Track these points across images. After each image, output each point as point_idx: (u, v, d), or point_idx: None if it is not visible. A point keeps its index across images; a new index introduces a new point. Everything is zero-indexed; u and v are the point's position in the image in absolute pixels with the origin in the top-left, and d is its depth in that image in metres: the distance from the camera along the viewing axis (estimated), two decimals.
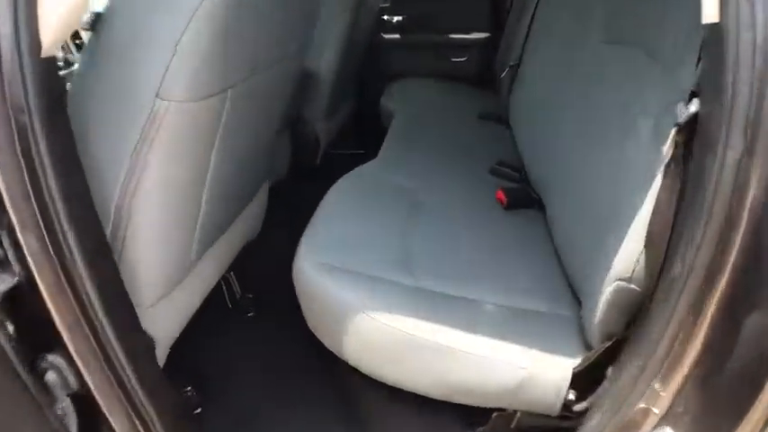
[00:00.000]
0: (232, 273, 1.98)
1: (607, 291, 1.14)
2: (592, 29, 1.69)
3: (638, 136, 1.24)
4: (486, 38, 3.36)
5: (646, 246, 1.07)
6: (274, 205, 2.14)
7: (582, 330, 1.29)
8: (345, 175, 1.81)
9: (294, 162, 2.71)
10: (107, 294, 1.03)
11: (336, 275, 1.33)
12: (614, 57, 1.51)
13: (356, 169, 1.88)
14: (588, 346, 1.25)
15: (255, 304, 2.02)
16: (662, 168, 1.03)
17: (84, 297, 1.00)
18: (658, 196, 1.03)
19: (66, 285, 0.97)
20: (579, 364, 1.21)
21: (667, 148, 1.01)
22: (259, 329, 1.94)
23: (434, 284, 1.36)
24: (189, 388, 1.62)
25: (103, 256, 1.09)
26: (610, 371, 1.18)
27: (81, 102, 1.11)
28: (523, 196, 1.86)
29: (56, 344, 1.02)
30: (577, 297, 1.39)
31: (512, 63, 2.60)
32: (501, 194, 1.83)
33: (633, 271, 1.11)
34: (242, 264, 1.92)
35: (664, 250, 1.02)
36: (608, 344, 1.18)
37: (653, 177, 1.06)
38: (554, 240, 1.60)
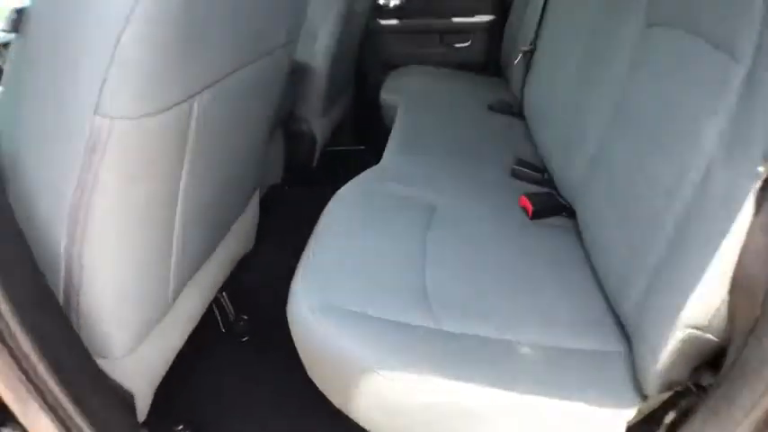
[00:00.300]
0: (224, 293, 1.79)
1: (675, 338, 0.96)
2: (633, 8, 1.45)
3: (705, 144, 1.02)
4: (491, 21, 3.13)
5: (732, 292, 0.89)
6: (268, 214, 1.95)
7: (633, 368, 1.09)
8: (345, 186, 1.59)
9: (288, 164, 2.49)
10: (55, 354, 0.90)
11: (339, 321, 1.11)
12: (665, 43, 1.28)
13: (358, 177, 1.65)
14: (641, 391, 1.05)
15: (250, 327, 1.85)
16: (753, 193, 0.84)
17: (23, 361, 0.86)
18: (751, 231, 0.84)
19: (3, 349, 0.83)
20: (635, 417, 1.03)
21: (764, 169, 0.80)
22: (255, 355, 1.77)
23: (459, 325, 1.14)
24: (181, 427, 1.49)
25: (44, 308, 0.93)
26: (668, 419, 1.02)
27: (9, 123, 0.90)
28: (550, 202, 1.64)
29: (7, 417, 0.91)
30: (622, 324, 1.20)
31: (525, 48, 2.36)
32: (526, 201, 1.61)
33: (711, 320, 0.92)
34: (235, 281, 1.74)
35: (760, 302, 0.81)
36: (669, 394, 1.02)
37: (736, 203, 0.87)
38: (592, 261, 1.38)
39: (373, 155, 2.03)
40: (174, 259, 1.18)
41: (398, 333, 1.10)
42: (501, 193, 1.70)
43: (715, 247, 0.89)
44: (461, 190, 1.68)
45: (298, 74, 2.27)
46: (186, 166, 1.08)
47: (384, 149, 2.00)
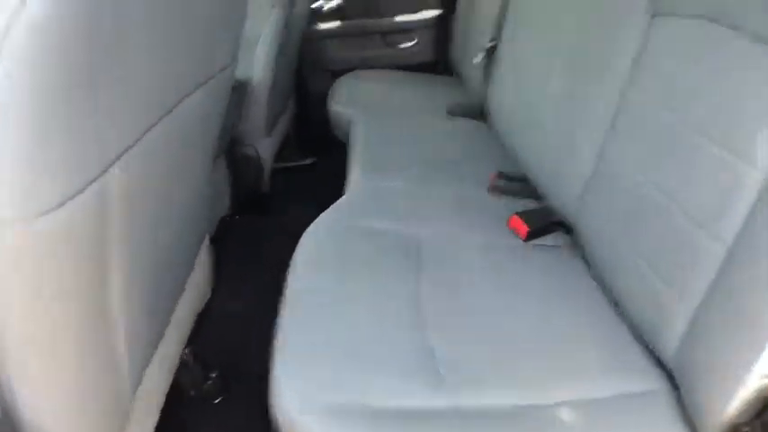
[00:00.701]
0: (187, 350, 1.53)
1: (746, 388, 0.84)
2: (636, 1, 1.26)
3: (759, 157, 0.86)
4: (437, 16, 2.95)
5: None
6: (221, 251, 1.70)
7: (680, 406, 0.98)
8: (313, 227, 1.36)
9: (236, 192, 2.24)
10: None
11: (336, 422, 0.89)
12: (681, 36, 1.10)
13: (326, 214, 1.42)
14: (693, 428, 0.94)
15: (223, 384, 1.59)
16: None
17: None
18: None
19: None
20: None
21: None
22: (233, 418, 1.53)
23: (477, 395, 0.95)
24: None
25: None
26: None
27: None
28: (544, 220, 1.46)
29: None
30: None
31: (486, 45, 2.16)
32: (518, 222, 1.43)
33: None
34: (197, 334, 1.48)
35: None
36: None
37: None
38: (609, 287, 1.21)
39: (324, 169, 1.80)
40: (122, 358, 0.94)
41: (410, 426, 0.90)
42: (487, 214, 1.51)
43: None
44: (444, 215, 1.49)
45: (237, 92, 2.03)
46: (116, 253, 0.83)
47: (336, 162, 1.83)
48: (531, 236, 1.41)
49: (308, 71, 2.94)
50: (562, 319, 1.15)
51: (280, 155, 2.66)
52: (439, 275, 1.22)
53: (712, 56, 1.00)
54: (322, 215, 1.40)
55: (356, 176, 1.70)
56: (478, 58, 2.18)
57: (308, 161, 2.94)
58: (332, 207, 1.45)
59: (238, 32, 1.32)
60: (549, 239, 1.43)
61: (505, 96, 2.01)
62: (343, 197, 1.54)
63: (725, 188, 0.91)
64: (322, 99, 2.62)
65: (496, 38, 2.13)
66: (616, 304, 1.19)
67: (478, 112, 2.26)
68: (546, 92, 1.63)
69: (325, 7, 2.87)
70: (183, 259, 1.32)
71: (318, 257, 1.25)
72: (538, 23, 1.81)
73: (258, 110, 2.18)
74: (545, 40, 1.72)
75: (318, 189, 2.56)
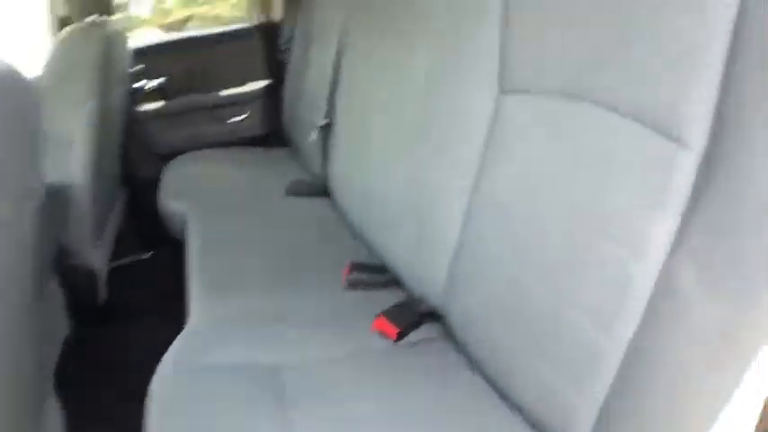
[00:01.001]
0: None
1: None
2: (478, 68, 1.22)
3: (650, 251, 0.82)
4: (266, 87, 2.85)
5: None
6: (70, 379, 1.52)
7: None
8: (159, 374, 1.18)
9: (72, 306, 1.98)
10: None
11: None
12: (537, 115, 1.05)
13: (171, 353, 1.24)
14: None
15: None
16: None
17: None
18: None
19: None
20: None
21: None
22: None
23: None
24: None
25: None
26: None
27: None
28: (411, 315, 1.37)
29: None
30: None
31: (320, 123, 2.07)
32: (384, 324, 1.33)
33: None
34: None
35: None
36: None
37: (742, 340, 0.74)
38: (494, 380, 1.15)
39: (163, 261, 1.74)
40: None
41: None
42: (349, 318, 1.39)
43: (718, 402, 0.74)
44: (302, 332, 1.35)
45: (55, 199, 1.81)
46: None
47: (175, 252, 1.70)
48: (401, 336, 1.32)
49: (136, 157, 2.73)
50: (457, 427, 1.07)
51: (115, 251, 2.43)
52: (311, 408, 1.09)
53: (575, 135, 0.96)
54: (169, 352, 1.22)
55: (198, 298, 1.50)
56: (312, 136, 2.09)
57: (145, 255, 2.72)
58: (178, 340, 1.27)
59: (36, 151, 1.16)
60: (421, 332, 1.35)
61: (347, 176, 1.92)
62: (188, 327, 1.36)
63: (613, 284, 0.86)
64: (154, 185, 2.43)
65: (330, 113, 2.06)
66: (506, 397, 1.12)
67: (321, 190, 2.16)
68: (391, 172, 1.56)
69: (147, 87, 2.70)
70: (29, 410, 1.13)
71: (173, 410, 1.08)
72: (376, 100, 1.72)
73: (82, 216, 1.94)
74: (385, 117, 1.64)
75: (160, 283, 2.35)
